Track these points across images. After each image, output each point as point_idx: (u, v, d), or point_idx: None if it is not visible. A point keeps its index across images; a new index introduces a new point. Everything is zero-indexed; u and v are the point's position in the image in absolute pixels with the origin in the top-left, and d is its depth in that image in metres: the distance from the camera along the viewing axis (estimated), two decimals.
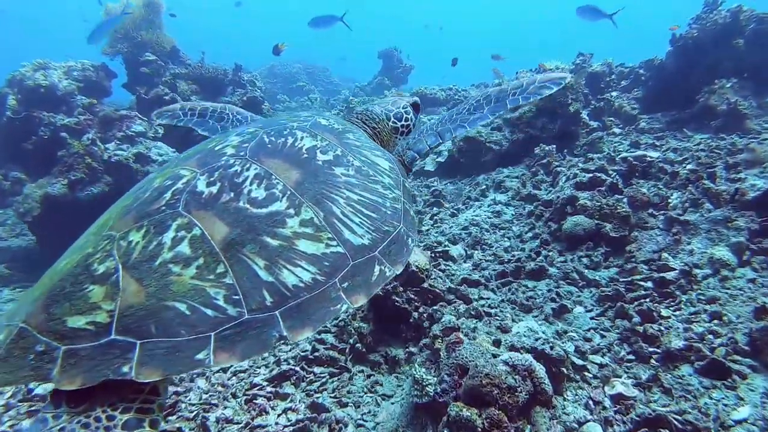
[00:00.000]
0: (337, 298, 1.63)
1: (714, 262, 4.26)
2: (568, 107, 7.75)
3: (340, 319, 4.20)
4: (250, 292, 1.52)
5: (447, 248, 5.50)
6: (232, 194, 1.68)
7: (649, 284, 4.22)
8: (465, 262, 5.39)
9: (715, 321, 3.58)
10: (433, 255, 5.39)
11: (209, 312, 1.46)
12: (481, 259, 5.29)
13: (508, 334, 3.65)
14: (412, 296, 4.37)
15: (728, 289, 4.03)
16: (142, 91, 10.14)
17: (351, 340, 4.27)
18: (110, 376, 1.34)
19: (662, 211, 5.10)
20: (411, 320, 4.27)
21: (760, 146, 5.25)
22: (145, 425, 1.42)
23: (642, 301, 4.04)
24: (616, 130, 8.83)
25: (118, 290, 1.44)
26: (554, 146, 7.29)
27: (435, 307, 4.22)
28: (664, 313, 3.84)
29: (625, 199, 5.12)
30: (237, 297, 1.49)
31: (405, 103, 2.82)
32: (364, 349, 4.23)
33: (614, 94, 10.17)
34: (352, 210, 1.82)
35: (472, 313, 4.04)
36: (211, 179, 1.72)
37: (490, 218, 6.29)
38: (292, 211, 1.70)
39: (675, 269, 4.22)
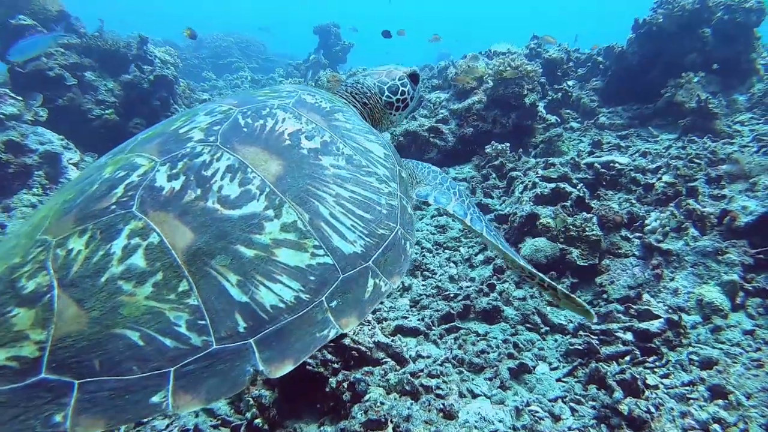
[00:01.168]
0: (325, 321, 1.43)
1: (703, 306, 3.58)
2: (523, 98, 6.97)
3: None
4: (219, 315, 1.30)
5: None
6: (198, 191, 1.44)
7: (629, 336, 3.47)
8: (401, 295, 4.46)
9: (719, 401, 2.85)
10: None
11: (168, 342, 1.23)
12: (421, 294, 4.38)
13: (454, 425, 2.76)
14: (330, 355, 3.39)
15: (723, 343, 3.37)
16: (18, 63, 8.38)
17: (248, 414, 3.24)
18: (38, 430, 1.09)
19: (637, 234, 4.40)
20: (327, 389, 3.30)
21: (743, 157, 4.65)
22: None
23: (620, 360, 3.28)
24: (574, 125, 8.23)
25: (52, 314, 1.20)
26: (508, 145, 6.50)
27: (358, 375, 3.26)
28: (650, 381, 3.10)
29: (594, 219, 4.36)
30: (203, 322, 1.27)
31: (401, 74, 2.62)
32: (265, 427, 3.22)
33: (570, 83, 9.56)
34: (343, 210, 1.61)
35: (407, 387, 3.11)
36: (174, 171, 1.48)
37: (433, 234, 5.40)
38: (271, 212, 1.48)
39: (660, 317, 3.49)
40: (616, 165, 5.30)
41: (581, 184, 4.94)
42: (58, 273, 1.27)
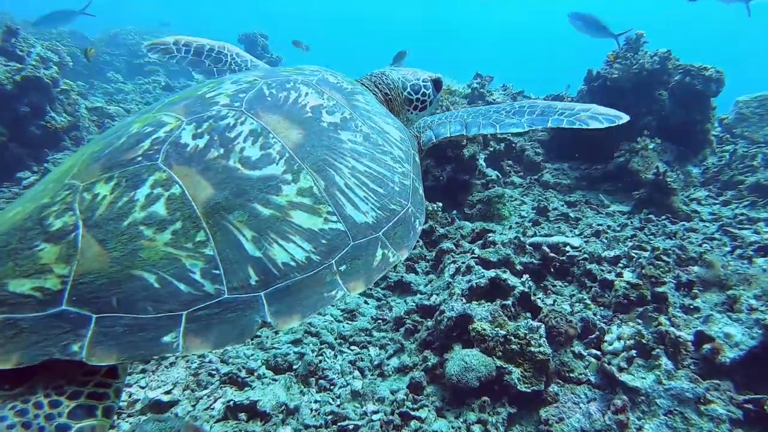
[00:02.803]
0: (333, 283, 1.55)
1: None
2: (462, 149, 6.15)
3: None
4: (232, 267, 1.42)
5: (256, 397, 3.36)
6: (221, 150, 1.57)
7: None
8: (284, 422, 3.30)
9: None
10: (228, 407, 3.26)
11: (182, 287, 1.35)
12: (309, 427, 3.23)
13: None
14: None
15: None
16: None
17: None
18: (55, 356, 1.22)
19: (593, 351, 3.55)
20: None
21: (717, 260, 3.99)
22: (97, 413, 1.31)
23: None
24: (516, 180, 7.57)
25: (76, 252, 1.32)
26: (440, 205, 5.62)
27: None
28: None
29: (542, 329, 3.47)
30: (217, 272, 1.40)
31: (426, 77, 2.78)
32: None
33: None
34: (357, 182, 1.73)
35: None
36: (199, 131, 1.61)
37: (339, 321, 4.31)
38: (289, 176, 1.60)
39: None
40: (568, 249, 4.51)
41: (526, 276, 4.06)
42: (84, 214, 1.38)
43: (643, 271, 3.97)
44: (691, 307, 3.81)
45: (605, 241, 4.98)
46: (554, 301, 4.08)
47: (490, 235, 4.76)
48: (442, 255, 4.88)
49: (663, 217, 5.91)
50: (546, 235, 4.82)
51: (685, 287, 3.98)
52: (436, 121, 2.50)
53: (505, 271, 4.19)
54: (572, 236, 5.25)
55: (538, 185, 7.48)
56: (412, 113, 2.78)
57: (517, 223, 5.91)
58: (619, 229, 5.48)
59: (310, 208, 1.59)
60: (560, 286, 4.36)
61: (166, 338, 1.30)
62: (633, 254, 4.41)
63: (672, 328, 3.36)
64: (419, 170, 2.09)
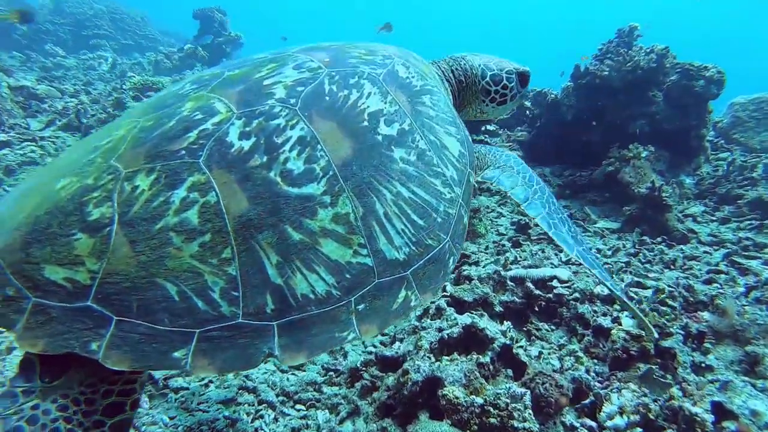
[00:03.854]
0: (347, 323, 1.51)
1: None
2: None
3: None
4: (252, 291, 1.41)
5: None
6: (265, 158, 1.52)
7: None
8: None
9: None
10: None
11: (200, 304, 1.37)
12: None
13: None
14: None
15: None
16: None
17: None
18: (76, 350, 1.29)
19: (588, 421, 2.98)
20: None
21: (731, 306, 3.46)
22: (126, 408, 1.45)
23: None
24: (493, 186, 6.94)
25: (107, 248, 1.35)
26: None
27: None
28: None
29: (527, 397, 2.87)
30: (236, 294, 1.40)
31: (511, 68, 2.64)
32: None
33: (491, 127, 8.42)
34: (398, 211, 1.66)
35: None
36: (247, 129, 1.56)
37: (283, 371, 3.63)
38: (327, 199, 1.54)
39: None
40: (555, 285, 3.93)
41: (508, 324, 3.45)
42: (121, 208, 1.39)
43: (645, 314, 3.41)
44: (703, 365, 3.27)
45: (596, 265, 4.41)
46: (540, 353, 3.49)
47: (464, 268, 4.11)
48: None
49: (658, 239, 5.41)
50: (530, 266, 4.23)
51: (694, 339, 3.43)
52: (510, 166, 2.32)
53: (482, 315, 3.59)
54: (558, 263, 4.67)
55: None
56: (488, 105, 2.68)
57: (494, 242, 5.31)
58: (610, 253, 4.94)
59: (341, 238, 1.54)
60: (546, 330, 3.77)
61: (177, 354, 1.33)
62: (632, 294, 3.84)
63: (687, 404, 2.80)
64: (471, 193, 2.00)
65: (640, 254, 4.92)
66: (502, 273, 3.90)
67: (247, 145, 1.53)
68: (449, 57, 2.70)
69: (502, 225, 5.91)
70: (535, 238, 5.45)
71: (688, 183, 6.99)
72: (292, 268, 1.46)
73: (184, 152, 1.49)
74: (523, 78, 2.69)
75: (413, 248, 1.67)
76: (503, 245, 5.18)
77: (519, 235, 5.49)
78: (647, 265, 4.66)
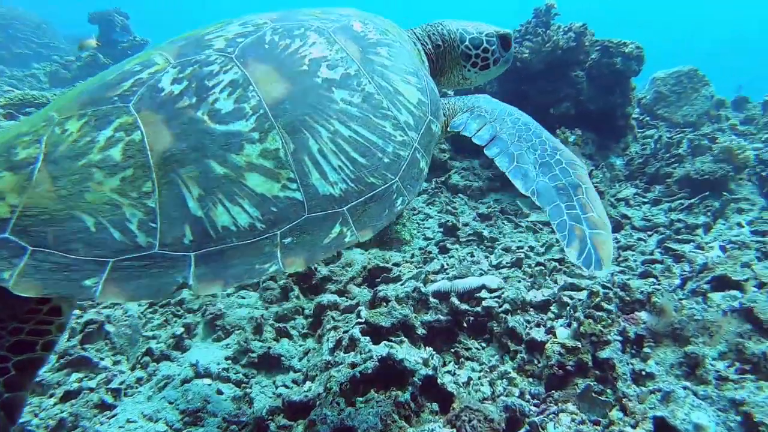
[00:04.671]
0: (270, 255, 1.56)
1: None
2: None
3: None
4: (170, 222, 1.48)
5: None
6: (194, 100, 1.61)
7: None
8: None
9: None
10: None
11: (116, 234, 1.43)
12: None
13: None
14: None
15: None
16: None
17: None
18: None
19: None
20: None
21: (668, 304, 3.29)
22: (36, 347, 1.54)
23: None
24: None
25: (29, 184, 1.44)
26: None
27: None
28: None
29: None
30: (154, 225, 1.46)
31: (491, 31, 2.64)
32: None
33: None
34: (335, 148, 1.71)
35: None
36: (180, 76, 1.65)
37: (176, 430, 3.17)
38: (256, 135, 1.61)
39: None
40: (484, 295, 3.65)
41: (430, 351, 3.14)
42: (48, 148, 1.49)
43: (581, 328, 3.18)
44: (644, 373, 3.07)
45: (528, 273, 4.18)
46: (470, 378, 3.20)
47: (381, 288, 3.76)
48: (322, 312, 3.86)
49: None
50: (456, 276, 3.94)
51: (633, 344, 3.24)
52: (481, 111, 2.27)
53: (402, 341, 3.26)
54: (488, 267, 4.42)
55: (445, 189, 6.67)
56: (470, 71, 2.68)
57: (421, 249, 5.01)
58: (543, 250, 4.73)
59: (269, 172, 1.59)
60: (477, 348, 3.49)
61: (88, 282, 1.38)
62: (565, 298, 3.62)
63: (628, 429, 2.57)
64: (432, 140, 2.04)
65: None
66: (423, 290, 3.58)
67: (177, 89, 1.61)
68: (426, 24, 2.70)
69: (429, 228, 5.62)
70: (464, 239, 5.20)
71: (619, 164, 6.96)
72: (213, 201, 1.51)
73: (116, 98, 1.58)
74: (504, 41, 2.66)
75: (351, 185, 1.70)
76: (430, 252, 4.89)
77: (447, 239, 5.22)
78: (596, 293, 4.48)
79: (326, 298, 3.94)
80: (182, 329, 3.76)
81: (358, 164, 1.73)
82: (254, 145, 1.59)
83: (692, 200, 5.79)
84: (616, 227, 5.43)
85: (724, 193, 5.85)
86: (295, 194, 1.61)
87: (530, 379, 3.21)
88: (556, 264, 4.34)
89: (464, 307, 3.59)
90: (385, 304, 3.51)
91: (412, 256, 4.89)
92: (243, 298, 4.33)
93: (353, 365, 3.04)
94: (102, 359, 3.38)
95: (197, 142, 1.54)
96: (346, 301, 3.98)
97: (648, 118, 8.43)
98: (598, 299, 3.38)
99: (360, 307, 3.57)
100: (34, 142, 1.51)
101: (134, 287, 1.41)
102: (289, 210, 1.59)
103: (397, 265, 4.62)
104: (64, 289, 1.37)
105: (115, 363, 3.41)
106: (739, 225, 5.28)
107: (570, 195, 1.94)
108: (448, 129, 2.31)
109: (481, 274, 4.22)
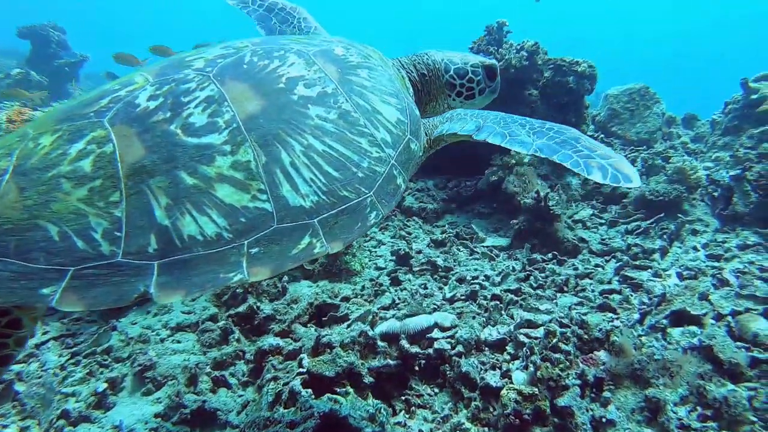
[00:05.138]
0: (235, 264, 1.58)
1: None
2: None
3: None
4: (136, 231, 1.51)
5: None
6: (168, 114, 1.66)
7: None
8: None
9: None
10: None
11: (79, 243, 1.46)
12: None
13: None
14: None
15: None
16: None
17: None
18: None
19: None
20: None
21: (627, 342, 3.18)
22: None
23: None
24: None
25: None
26: None
27: None
28: None
29: None
30: (118, 234, 1.49)
31: (476, 62, 2.72)
32: None
33: None
34: (307, 162, 1.75)
35: None
36: (157, 93, 1.72)
37: None
38: (228, 147, 1.66)
39: None
40: (435, 335, 3.47)
41: (376, 403, 2.92)
42: (18, 161, 1.54)
43: (539, 373, 3.03)
44: (604, 420, 2.94)
45: (484, 306, 4.02)
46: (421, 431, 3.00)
47: (325, 333, 3.52)
48: (263, 358, 3.59)
49: (549, 255, 5.17)
50: (407, 315, 3.74)
51: (592, 387, 3.10)
52: (461, 115, 2.37)
53: (347, 392, 3.04)
54: (441, 301, 4.25)
55: (399, 212, 6.50)
56: (455, 100, 2.74)
57: (372, 280, 4.80)
58: (499, 280, 4.59)
59: (239, 183, 1.62)
60: (429, 394, 3.30)
61: (46, 290, 1.40)
62: (521, 337, 3.47)
63: None
64: (410, 159, 2.08)
65: (531, 277, 4.62)
66: (371, 333, 3.37)
67: (153, 104, 1.67)
68: (412, 54, 2.78)
69: (381, 256, 5.42)
70: (418, 269, 5.02)
71: (575, 184, 6.95)
72: (181, 211, 1.53)
73: (92, 114, 1.64)
74: (490, 71, 2.74)
75: (323, 197, 1.73)
76: (381, 284, 4.68)
77: (399, 268, 5.02)
78: (539, 291, 4.36)
79: (267, 341, 3.68)
80: (105, 385, 3.41)
81: (331, 177, 1.77)
82: (226, 157, 1.63)
83: (649, 222, 5.79)
84: (573, 252, 5.37)
85: (679, 215, 5.89)
86: (264, 205, 1.64)
87: (486, 429, 3.04)
88: (512, 296, 4.20)
89: (415, 350, 3.39)
90: (329, 350, 3.28)
91: (363, 288, 4.67)
92: (178, 342, 4.02)
93: (292, 425, 2.80)
94: (5, 427, 3.02)
95: (169, 153, 1.58)
96: (290, 343, 3.72)
97: (603, 136, 8.50)
98: (555, 340, 3.24)
99: (302, 355, 3.33)
100: (5, 155, 1.55)
101: (94, 295, 1.42)
102: (258, 220, 1.62)
103: (346, 299, 4.40)
104: (21, 298, 1.39)
105: (23, 430, 3.05)
106: (695, 249, 5.29)
107: (573, 145, 2.03)
108: (432, 139, 2.36)
109: (435, 309, 4.05)
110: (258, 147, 1.68)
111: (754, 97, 7.21)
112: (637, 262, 4.86)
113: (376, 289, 4.62)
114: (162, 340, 3.94)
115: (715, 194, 6.42)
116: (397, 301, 4.32)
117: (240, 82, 1.80)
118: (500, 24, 6.95)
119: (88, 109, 1.65)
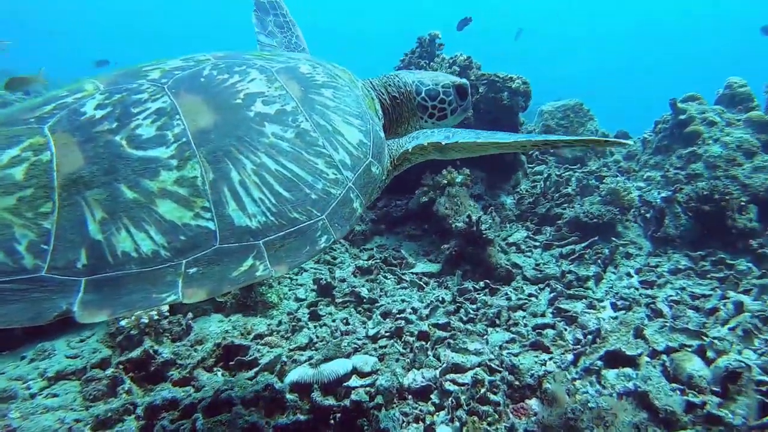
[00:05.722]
0: (170, 284, 1.52)
1: None
2: None
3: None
4: (65, 245, 1.44)
5: None
6: (114, 125, 1.62)
7: None
8: None
9: None
10: None
11: (0, 256, 1.39)
12: None
13: None
14: None
15: None
16: None
17: None
18: None
19: None
20: None
21: (560, 388, 2.98)
22: None
23: None
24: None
25: None
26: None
27: None
28: None
29: None
30: (45, 247, 1.43)
31: (447, 82, 2.78)
32: None
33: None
34: (258, 181, 1.72)
35: None
36: (105, 101, 1.68)
37: None
38: (174, 162, 1.62)
39: None
40: (353, 384, 3.16)
41: None
42: None
43: (465, 429, 2.77)
44: None
45: (410, 345, 3.74)
46: None
47: (227, 384, 3.13)
48: (154, 416, 3.16)
49: (482, 283, 4.97)
50: (323, 360, 3.40)
51: None
52: (427, 132, 2.39)
53: None
54: (363, 338, 3.94)
55: None
56: (428, 121, 2.80)
57: (290, 314, 4.44)
58: (427, 312, 4.34)
59: (182, 199, 1.58)
60: None
61: None
62: (447, 384, 3.20)
63: None
64: (370, 182, 2.06)
65: (462, 309, 4.39)
66: (278, 386, 3.02)
67: (100, 113, 1.62)
68: (383, 75, 2.82)
69: (302, 285, 5.06)
70: (340, 300, 4.69)
71: (509, 204, 6.85)
72: (117, 226, 1.48)
73: (33, 120, 1.59)
74: (461, 91, 2.79)
75: (270, 218, 1.70)
76: (299, 318, 4.33)
77: (320, 299, 4.68)
78: (469, 325, 4.13)
79: (161, 395, 3.24)
80: None
81: (281, 198, 1.74)
82: (171, 172, 1.59)
83: (583, 245, 5.73)
84: (507, 278, 5.20)
85: (613, 239, 5.86)
86: (207, 223, 1.60)
87: None
88: (441, 332, 3.95)
89: (329, 402, 3.06)
90: (227, 408, 2.90)
91: (280, 323, 4.30)
92: (55, 396, 3.50)
93: None
94: None
95: (110, 165, 1.53)
96: (189, 395, 3.31)
97: (537, 153, 8.49)
98: (483, 390, 3.00)
99: (198, 414, 2.92)
100: None
101: (6, 312, 1.34)
102: (200, 239, 1.57)
103: (260, 336, 4.03)
104: None
105: None
106: (628, 275, 5.25)
107: None
108: (397, 157, 2.36)
109: (356, 350, 3.74)
110: (207, 163, 1.64)
111: (682, 117, 7.35)
112: (572, 291, 4.73)
113: (294, 324, 4.26)
114: (33, 396, 3.42)
115: (648, 215, 6.47)
116: (315, 340, 3.98)
117: (195, 95, 1.77)
118: (432, 36, 6.79)
119: (29, 114, 1.60)
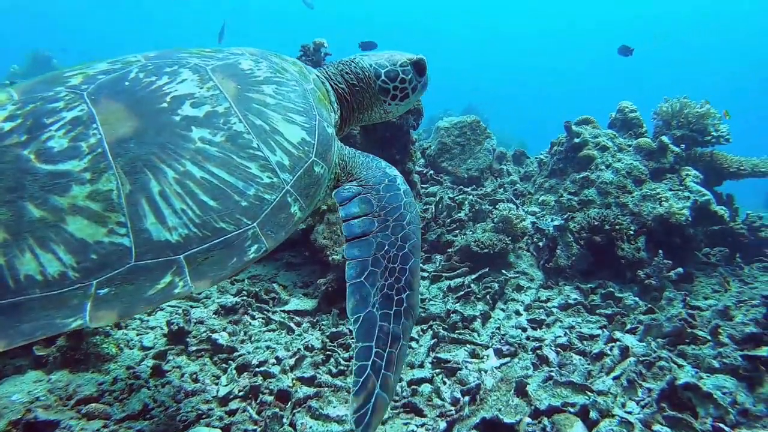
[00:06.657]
0: (77, 308, 1.46)
1: None
2: None
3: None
4: None
5: None
6: (24, 137, 1.56)
7: None
8: None
9: None
10: None
11: None
12: None
13: None
14: None
15: None
16: None
17: None
18: None
19: None
20: None
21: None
22: None
23: None
24: None
25: None
26: None
27: None
28: None
29: None
30: None
31: (404, 60, 2.77)
32: None
33: None
34: (180, 190, 1.66)
35: None
36: (17, 112, 1.61)
37: None
38: (87, 175, 1.56)
39: None
40: None
41: None
42: None
43: None
44: None
45: (263, 414, 3.28)
46: None
47: None
48: None
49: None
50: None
51: None
52: (375, 193, 2.24)
53: None
54: (211, 402, 3.43)
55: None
56: (390, 104, 2.79)
57: (129, 368, 3.84)
58: (292, 363, 3.89)
59: (95, 215, 1.53)
60: None
61: None
62: None
63: None
64: (312, 183, 2.02)
65: (332, 359, 3.98)
66: None
67: (9, 125, 1.56)
68: (337, 61, 2.78)
69: (153, 328, 4.45)
70: (194, 349, 4.14)
71: None
72: (22, 247, 1.43)
73: None
74: (418, 67, 2.78)
75: (193, 230, 1.65)
76: (139, 375, 3.74)
77: (170, 349, 4.11)
78: (339, 379, 3.72)
79: None
80: None
81: (206, 208, 1.69)
82: (83, 186, 1.54)
83: (473, 278, 5.52)
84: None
85: (503, 271, 5.70)
86: (122, 240, 1.55)
87: None
88: (305, 388, 3.52)
89: None
90: None
91: (114, 381, 3.68)
92: None
93: None
94: None
95: (15, 182, 1.47)
96: None
97: (432, 173, 8.32)
98: None
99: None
100: None
101: None
102: (113, 257, 1.53)
103: (84, 402, 3.40)
104: None
105: None
106: (517, 313, 5.08)
107: (386, 343, 1.90)
108: (333, 195, 2.29)
109: (199, 417, 3.24)
110: (123, 174, 1.60)
111: (576, 140, 7.42)
112: (455, 334, 4.46)
113: (131, 382, 3.67)
114: None
115: (540, 244, 6.41)
116: (152, 405, 3.42)
117: (115, 101, 1.71)
118: (317, 45, 6.39)
119: None
